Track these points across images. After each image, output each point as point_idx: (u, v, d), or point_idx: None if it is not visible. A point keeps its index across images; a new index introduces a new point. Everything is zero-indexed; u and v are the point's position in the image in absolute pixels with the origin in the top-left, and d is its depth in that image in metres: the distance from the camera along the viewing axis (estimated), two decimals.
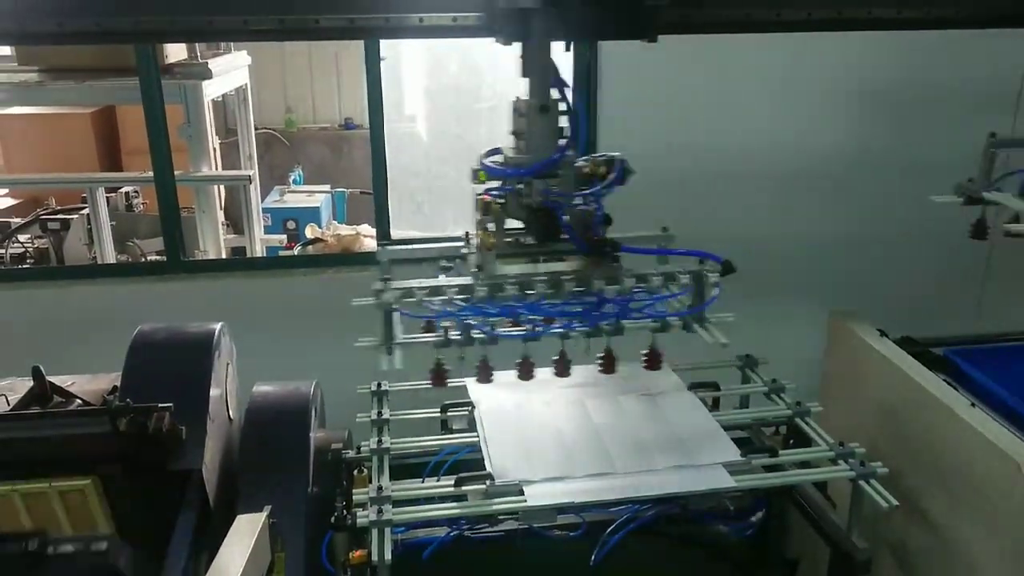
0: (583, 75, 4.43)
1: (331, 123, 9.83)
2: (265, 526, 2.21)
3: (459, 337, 2.33)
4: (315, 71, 9.62)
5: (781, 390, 2.81)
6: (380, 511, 2.20)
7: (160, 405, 2.34)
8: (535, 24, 2.16)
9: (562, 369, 2.45)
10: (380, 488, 2.27)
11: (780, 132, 4.50)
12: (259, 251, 6.52)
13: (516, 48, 2.23)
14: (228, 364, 2.82)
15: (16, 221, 6.31)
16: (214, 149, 6.24)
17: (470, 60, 5.37)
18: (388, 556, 2.09)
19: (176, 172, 4.68)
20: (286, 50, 9.33)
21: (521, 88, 2.34)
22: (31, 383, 2.72)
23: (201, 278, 4.58)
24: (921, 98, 4.58)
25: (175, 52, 5.78)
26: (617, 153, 2.31)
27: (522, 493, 2.27)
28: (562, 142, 2.29)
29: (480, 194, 2.31)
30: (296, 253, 6.47)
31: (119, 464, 2.32)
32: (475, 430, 2.60)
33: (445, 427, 2.72)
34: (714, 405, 2.80)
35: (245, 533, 2.15)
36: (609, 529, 2.41)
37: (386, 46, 4.54)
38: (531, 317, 2.33)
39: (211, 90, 6.00)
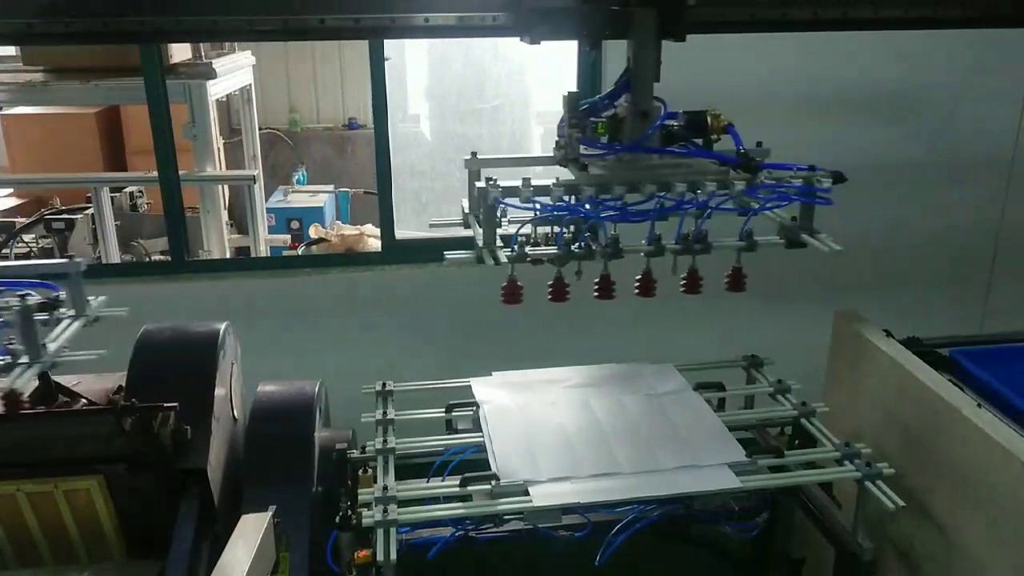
0: (588, 75, 4.43)
1: (335, 123, 9.83)
2: (270, 526, 2.21)
3: (579, 250, 2.28)
4: (319, 71, 9.63)
5: (787, 390, 2.82)
6: (385, 511, 2.20)
7: (165, 405, 2.35)
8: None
9: (646, 289, 2.41)
10: (385, 488, 2.27)
11: (786, 133, 4.48)
12: (263, 251, 6.53)
13: (522, 49, 2.23)
14: (233, 364, 2.83)
15: (21, 221, 6.32)
16: (218, 149, 6.25)
17: (473, 60, 5.37)
18: (393, 556, 2.09)
19: (180, 172, 4.68)
20: (290, 50, 9.34)
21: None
22: (36, 383, 2.72)
23: (205, 278, 4.58)
24: (928, 101, 4.57)
25: (179, 52, 5.79)
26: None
27: (527, 493, 2.27)
28: None
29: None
30: (300, 253, 6.47)
31: (124, 463, 2.32)
32: (480, 430, 2.60)
33: (450, 427, 2.71)
34: (719, 406, 2.80)
35: (250, 532, 2.15)
36: (614, 529, 2.40)
37: (390, 46, 4.54)
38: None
39: (215, 90, 6.01)
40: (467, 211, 2.51)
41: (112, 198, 6.15)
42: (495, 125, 5.39)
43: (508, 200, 2.22)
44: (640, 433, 2.53)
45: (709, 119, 2.36)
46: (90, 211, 6.02)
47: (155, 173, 4.58)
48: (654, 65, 2.28)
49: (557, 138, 2.45)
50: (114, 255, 5.86)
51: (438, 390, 2.80)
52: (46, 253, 6.12)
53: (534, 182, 2.22)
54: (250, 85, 6.94)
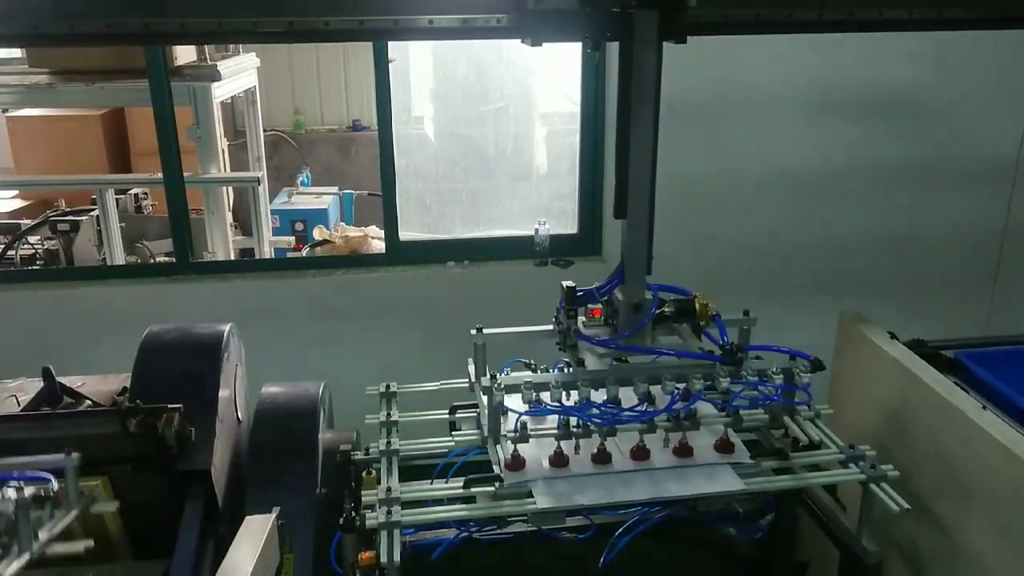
0: (591, 74, 4.43)
1: (339, 125, 9.86)
2: (274, 527, 2.21)
3: (577, 429, 2.43)
4: (323, 73, 9.65)
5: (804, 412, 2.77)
6: (389, 512, 2.20)
7: (170, 406, 2.35)
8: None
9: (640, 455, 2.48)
10: (389, 490, 2.27)
11: (793, 135, 4.49)
12: (267, 253, 6.54)
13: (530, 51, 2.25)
14: (237, 365, 2.83)
15: (26, 222, 6.33)
16: (223, 151, 6.27)
17: (477, 61, 5.36)
18: (397, 558, 2.09)
19: (185, 174, 4.69)
20: (294, 52, 9.36)
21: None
22: (41, 384, 2.73)
23: (210, 279, 4.59)
24: (933, 103, 4.56)
25: (184, 54, 5.80)
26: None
27: (531, 495, 2.26)
28: None
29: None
30: (304, 254, 6.48)
31: (129, 465, 2.33)
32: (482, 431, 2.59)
33: (454, 428, 2.71)
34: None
35: (254, 534, 2.15)
36: (618, 531, 2.40)
37: (394, 48, 4.55)
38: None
39: (220, 92, 6.02)
40: (472, 379, 2.71)
41: (117, 200, 6.15)
42: (499, 127, 5.39)
43: (509, 403, 2.42)
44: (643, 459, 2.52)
45: (697, 306, 2.54)
46: (95, 213, 6.03)
47: (160, 175, 4.59)
48: (654, 82, 2.31)
49: (554, 319, 2.66)
50: (119, 256, 5.87)
51: (441, 391, 2.80)
52: (51, 254, 6.13)
53: (534, 380, 2.43)
54: (254, 87, 6.95)
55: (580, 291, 2.59)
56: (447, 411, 2.72)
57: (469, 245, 4.72)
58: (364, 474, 2.50)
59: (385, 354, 4.38)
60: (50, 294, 4.49)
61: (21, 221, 6.42)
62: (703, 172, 4.43)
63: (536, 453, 2.43)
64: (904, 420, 2.76)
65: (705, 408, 2.55)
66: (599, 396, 2.44)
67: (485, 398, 2.46)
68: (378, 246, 5.78)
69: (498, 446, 2.45)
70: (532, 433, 2.41)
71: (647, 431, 2.44)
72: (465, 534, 2.43)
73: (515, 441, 2.38)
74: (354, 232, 6.43)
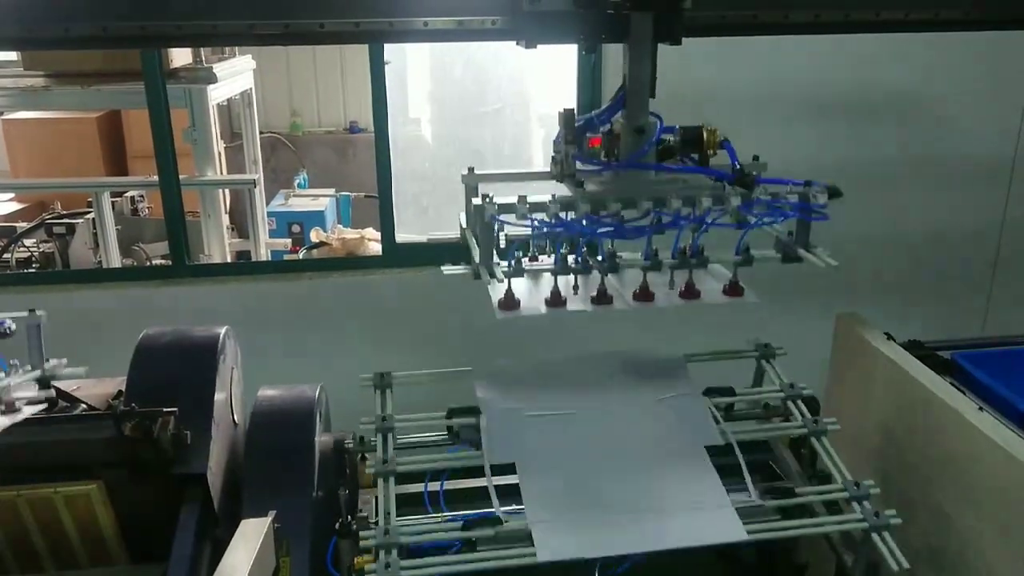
0: (587, 76, 4.43)
1: (336, 127, 9.85)
2: (270, 530, 2.21)
3: (576, 265, 2.28)
4: (320, 75, 9.65)
5: (798, 396, 2.74)
6: (387, 565, 2.11)
7: (165, 409, 2.34)
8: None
9: (644, 297, 2.39)
10: (387, 531, 2.19)
11: (789, 134, 4.49)
12: (264, 255, 6.53)
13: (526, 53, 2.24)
14: (233, 368, 2.82)
15: (22, 225, 6.32)
16: (219, 153, 6.26)
17: (475, 63, 5.36)
18: None
19: (181, 176, 4.69)
20: (291, 54, 9.35)
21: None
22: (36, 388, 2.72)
23: (206, 282, 4.58)
24: (928, 103, 4.56)
25: (180, 56, 5.79)
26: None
27: (530, 537, 2.22)
28: None
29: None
30: (301, 257, 6.47)
31: (124, 468, 2.32)
32: (479, 438, 2.56)
33: (451, 432, 2.69)
34: (727, 410, 2.76)
35: (250, 537, 2.14)
36: None
37: (391, 50, 4.54)
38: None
39: (216, 94, 6.01)
40: (464, 226, 2.51)
41: (113, 202, 6.15)
42: (496, 128, 5.39)
43: (504, 217, 2.20)
44: (646, 466, 2.48)
45: (705, 134, 2.37)
46: (91, 215, 6.02)
47: (156, 177, 4.59)
48: (650, 73, 2.28)
49: (553, 154, 2.46)
50: (115, 259, 5.85)
51: (437, 388, 2.77)
52: (47, 257, 6.11)
53: (531, 199, 2.21)
54: (251, 89, 6.94)
55: (578, 120, 2.39)
56: (444, 413, 2.70)
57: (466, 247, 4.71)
58: (361, 467, 2.46)
59: (382, 356, 4.37)
60: (46, 297, 4.47)
61: (17, 224, 6.41)
62: None
63: (532, 292, 2.37)
64: (901, 421, 2.76)
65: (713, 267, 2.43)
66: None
67: (476, 228, 2.28)
68: (375, 248, 5.77)
69: (491, 285, 2.34)
70: (528, 268, 2.29)
71: (651, 268, 2.31)
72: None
73: (509, 276, 2.25)
74: (351, 234, 6.43)
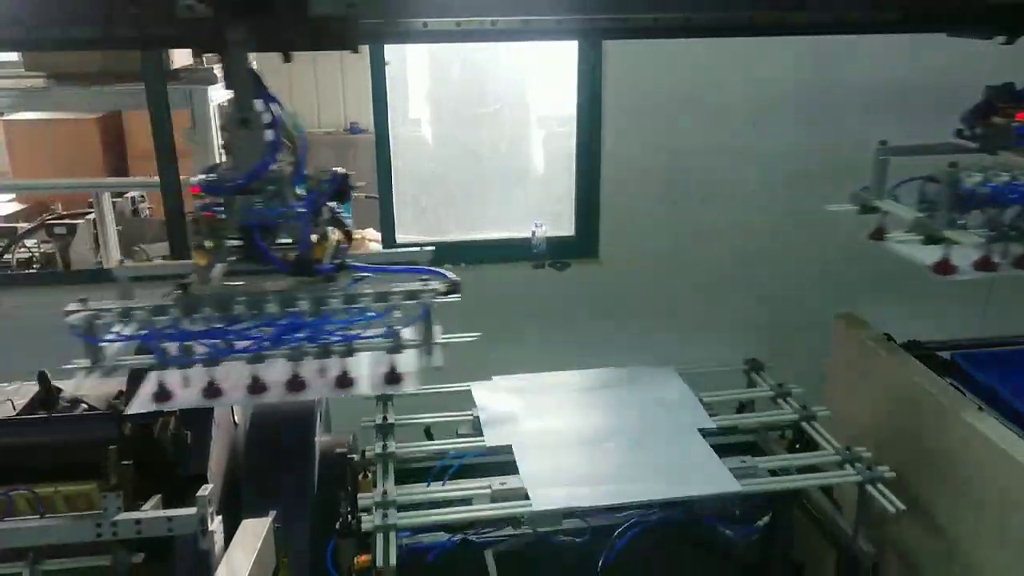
0: (587, 77, 4.43)
1: (336, 127, 9.85)
2: (270, 531, 2.21)
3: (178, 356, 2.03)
4: (320, 76, 9.64)
5: (787, 394, 2.82)
6: (385, 515, 2.20)
7: (165, 410, 2.34)
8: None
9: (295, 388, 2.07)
10: (385, 492, 2.27)
11: (787, 133, 4.50)
12: None
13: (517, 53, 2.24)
14: None
15: (23, 226, 6.33)
16: (220, 154, 6.26)
17: (473, 64, 5.37)
18: (393, 561, 2.09)
19: (182, 177, 4.69)
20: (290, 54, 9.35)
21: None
22: (37, 387, 2.73)
23: None
24: (924, 101, 4.55)
25: (181, 57, 5.79)
26: (340, 168, 2.14)
27: (527, 497, 2.27)
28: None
29: (196, 211, 2.09)
30: None
31: (125, 469, 2.32)
32: (480, 434, 2.59)
33: (430, 436, 2.71)
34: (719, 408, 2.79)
35: (250, 538, 2.15)
36: (615, 533, 2.40)
37: (391, 50, 4.55)
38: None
39: (217, 95, 6.01)
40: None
41: (114, 203, 6.15)
42: (495, 130, 5.39)
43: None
44: (639, 440, 2.53)
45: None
46: (92, 216, 6.03)
47: (157, 178, 4.59)
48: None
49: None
50: (116, 260, 5.86)
51: (438, 395, 2.80)
52: (48, 258, 6.12)
53: (125, 304, 2.07)
54: None
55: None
56: (443, 414, 2.72)
57: (465, 247, 4.72)
58: (360, 477, 2.50)
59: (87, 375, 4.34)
60: (46, 298, 4.47)
61: (17, 225, 6.41)
62: (694, 172, 4.43)
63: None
64: (900, 422, 2.76)
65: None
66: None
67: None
68: (375, 248, 5.78)
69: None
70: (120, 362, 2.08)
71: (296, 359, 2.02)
72: (461, 537, 2.43)
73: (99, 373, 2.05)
74: None
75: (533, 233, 4.41)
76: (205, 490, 2.14)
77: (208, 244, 2.06)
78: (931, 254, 2.40)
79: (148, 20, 2.08)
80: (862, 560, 2.42)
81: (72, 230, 6.05)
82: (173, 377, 2.05)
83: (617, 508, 2.36)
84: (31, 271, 6.00)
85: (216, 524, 2.16)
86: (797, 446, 2.71)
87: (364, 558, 2.24)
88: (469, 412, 2.73)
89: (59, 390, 2.72)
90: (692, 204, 4.44)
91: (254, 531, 2.18)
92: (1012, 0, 2.39)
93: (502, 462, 2.48)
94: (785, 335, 4.01)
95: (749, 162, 4.51)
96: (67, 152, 7.02)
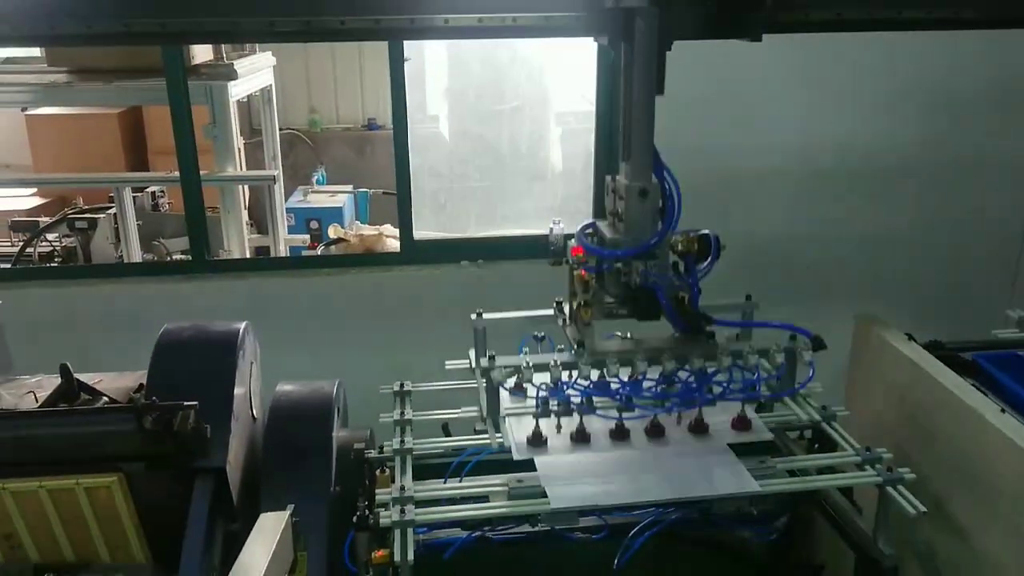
0: (608, 72, 4.41)
1: (354, 123, 9.88)
2: (288, 524, 2.22)
3: (557, 408, 2.44)
4: (338, 72, 9.67)
5: (807, 395, 2.78)
6: (403, 511, 2.20)
7: (185, 403, 2.36)
8: (639, 25, 2.20)
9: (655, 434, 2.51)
10: (403, 488, 2.27)
11: (809, 133, 4.47)
12: (283, 251, 6.57)
13: (543, 50, 2.24)
14: (252, 363, 2.84)
15: (44, 220, 6.39)
16: (239, 149, 6.30)
17: (493, 61, 5.37)
18: (410, 556, 2.09)
19: (201, 172, 4.72)
20: (310, 51, 9.39)
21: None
22: (59, 380, 2.75)
23: (226, 277, 4.61)
24: (957, 99, 4.51)
25: (201, 53, 5.84)
26: (707, 230, 2.43)
27: (545, 495, 2.26)
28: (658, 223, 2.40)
29: (576, 268, 2.48)
30: (319, 253, 6.50)
31: (145, 461, 2.34)
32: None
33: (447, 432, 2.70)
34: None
35: (268, 531, 2.16)
36: (632, 532, 2.39)
37: (410, 47, 4.55)
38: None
39: (236, 91, 6.05)
40: (473, 366, 2.70)
41: (134, 198, 6.21)
42: (514, 126, 5.40)
43: (508, 386, 2.45)
44: (657, 438, 2.52)
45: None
46: (112, 211, 6.09)
47: (176, 173, 4.62)
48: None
49: (556, 302, 2.70)
50: (136, 254, 5.91)
51: (455, 391, 2.80)
52: (69, 252, 6.18)
53: (532, 362, 2.45)
54: (271, 86, 6.98)
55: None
56: (460, 410, 2.72)
57: (483, 244, 4.72)
58: (378, 472, 2.50)
59: (399, 353, 4.39)
60: (68, 292, 4.52)
61: (39, 219, 6.48)
62: (718, 171, 4.41)
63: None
64: (922, 423, 2.73)
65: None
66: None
67: (483, 380, 2.47)
68: (393, 245, 5.79)
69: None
70: (553, 409, 2.44)
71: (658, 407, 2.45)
72: (478, 533, 2.43)
73: (537, 416, 2.42)
74: (369, 231, 6.45)
75: (551, 230, 4.39)
76: None
77: (586, 301, 2.45)
78: None
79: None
80: (882, 563, 2.39)
81: (93, 224, 6.12)
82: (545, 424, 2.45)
83: (634, 507, 2.35)
84: (52, 265, 6.06)
85: None
86: (816, 446, 2.68)
87: (381, 553, 2.24)
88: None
89: (80, 383, 2.75)
90: (715, 200, 4.41)
91: (272, 525, 2.19)
92: None
93: (519, 459, 2.48)
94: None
95: (770, 160, 4.48)
96: (88, 147, 7.09)
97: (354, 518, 2.29)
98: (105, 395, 2.72)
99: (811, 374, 2.51)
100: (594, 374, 2.45)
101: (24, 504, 2.31)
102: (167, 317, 2.83)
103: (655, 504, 2.36)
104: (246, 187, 6.67)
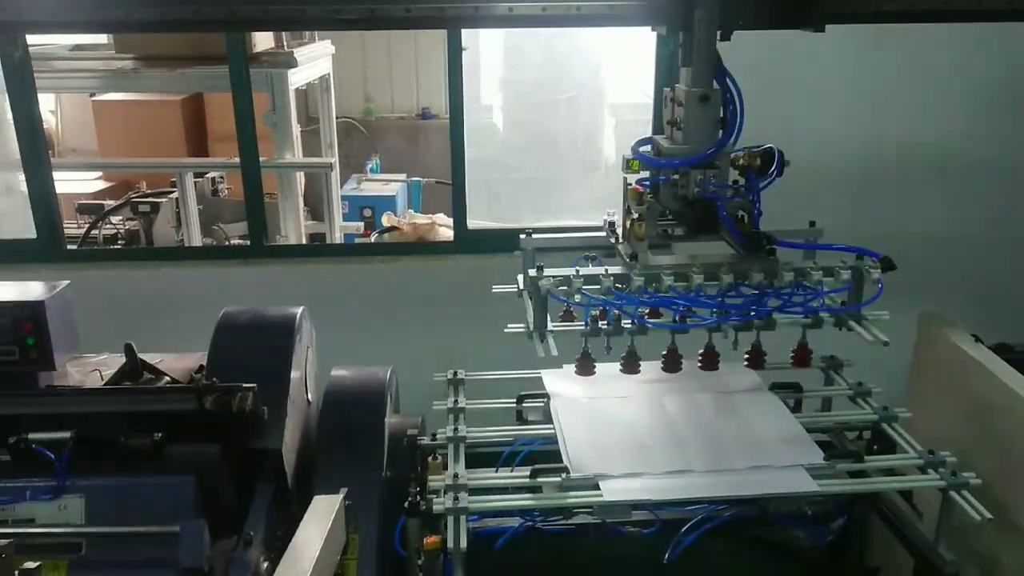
0: (665, 63, 4.36)
1: (408, 113, 9.94)
2: (341, 508, 2.24)
3: (607, 327, 2.33)
4: (394, 61, 9.73)
5: (867, 394, 2.73)
6: (456, 499, 2.21)
7: (244, 385, 2.41)
8: (699, 12, 2.15)
9: (708, 363, 2.47)
10: (456, 476, 2.28)
11: (876, 129, 4.36)
12: (339, 238, 6.65)
13: (610, 40, 2.23)
14: (308, 348, 2.88)
15: (109, 203, 6.57)
16: (296, 137, 6.38)
17: (549, 51, 5.34)
18: (463, 544, 2.10)
19: (261, 159, 4.79)
20: (366, 40, 9.46)
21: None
22: (123, 359, 2.82)
23: (283, 263, 4.68)
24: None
25: (262, 41, 5.92)
26: (771, 144, 2.28)
27: (597, 487, 2.25)
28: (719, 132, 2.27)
29: (631, 184, 2.33)
30: (373, 240, 6.57)
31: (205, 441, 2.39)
32: (550, 422, 2.59)
33: (520, 418, 2.71)
34: (795, 407, 2.73)
35: (322, 513, 2.18)
36: (684, 528, 2.37)
37: (467, 36, 4.55)
38: (680, 307, 2.30)
39: (296, 79, 6.12)
40: (521, 287, 2.61)
41: (195, 183, 6.34)
42: (569, 117, 5.37)
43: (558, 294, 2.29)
44: (714, 431, 2.49)
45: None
46: (174, 195, 6.23)
47: (236, 159, 4.70)
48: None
49: (607, 218, 2.57)
50: (196, 238, 6.04)
51: (509, 380, 2.81)
52: (132, 234, 6.34)
53: (583, 271, 2.30)
54: (328, 74, 7.05)
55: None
56: (514, 400, 2.73)
57: (538, 234, 4.70)
58: (430, 459, 2.52)
59: (451, 341, 4.40)
60: (132, 273, 4.64)
61: (104, 202, 6.66)
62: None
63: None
64: (988, 427, 2.65)
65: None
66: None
67: (531, 297, 2.36)
68: (445, 234, 5.82)
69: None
70: (603, 327, 2.33)
71: (715, 329, 2.34)
72: (529, 523, 2.43)
73: (586, 336, 2.33)
74: (422, 219, 6.49)
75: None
76: None
77: (641, 215, 2.29)
78: None
79: None
80: (943, 569, 2.33)
81: (156, 208, 6.26)
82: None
83: (688, 502, 2.32)
84: (116, 247, 6.22)
85: None
86: (875, 448, 2.62)
87: (433, 539, 2.26)
88: (540, 399, 2.72)
89: (144, 362, 2.82)
90: (779, 197, 4.33)
91: (326, 507, 2.22)
92: None
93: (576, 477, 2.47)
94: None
95: (836, 156, 4.37)
96: (151, 132, 7.25)
97: (406, 503, 2.31)
98: (167, 375, 2.79)
99: (878, 292, 2.31)
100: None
101: None
102: (225, 301, 2.88)
103: (709, 500, 2.33)
104: (302, 174, 6.76)
